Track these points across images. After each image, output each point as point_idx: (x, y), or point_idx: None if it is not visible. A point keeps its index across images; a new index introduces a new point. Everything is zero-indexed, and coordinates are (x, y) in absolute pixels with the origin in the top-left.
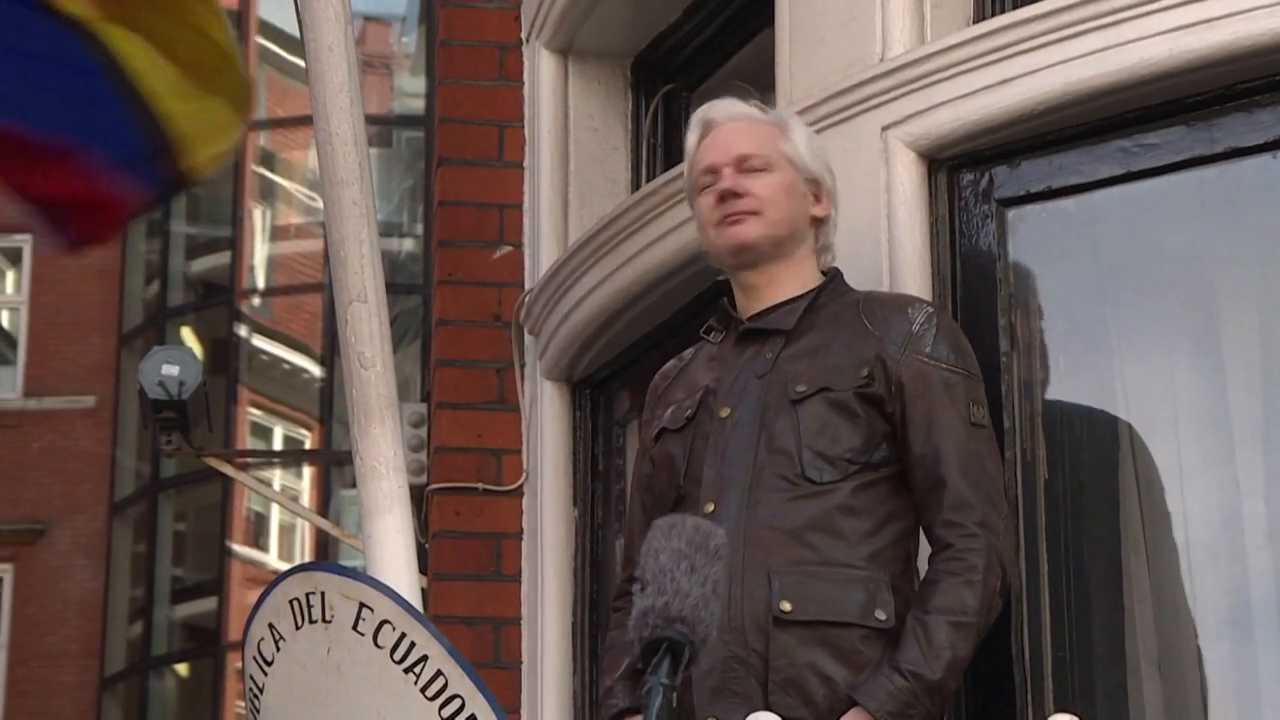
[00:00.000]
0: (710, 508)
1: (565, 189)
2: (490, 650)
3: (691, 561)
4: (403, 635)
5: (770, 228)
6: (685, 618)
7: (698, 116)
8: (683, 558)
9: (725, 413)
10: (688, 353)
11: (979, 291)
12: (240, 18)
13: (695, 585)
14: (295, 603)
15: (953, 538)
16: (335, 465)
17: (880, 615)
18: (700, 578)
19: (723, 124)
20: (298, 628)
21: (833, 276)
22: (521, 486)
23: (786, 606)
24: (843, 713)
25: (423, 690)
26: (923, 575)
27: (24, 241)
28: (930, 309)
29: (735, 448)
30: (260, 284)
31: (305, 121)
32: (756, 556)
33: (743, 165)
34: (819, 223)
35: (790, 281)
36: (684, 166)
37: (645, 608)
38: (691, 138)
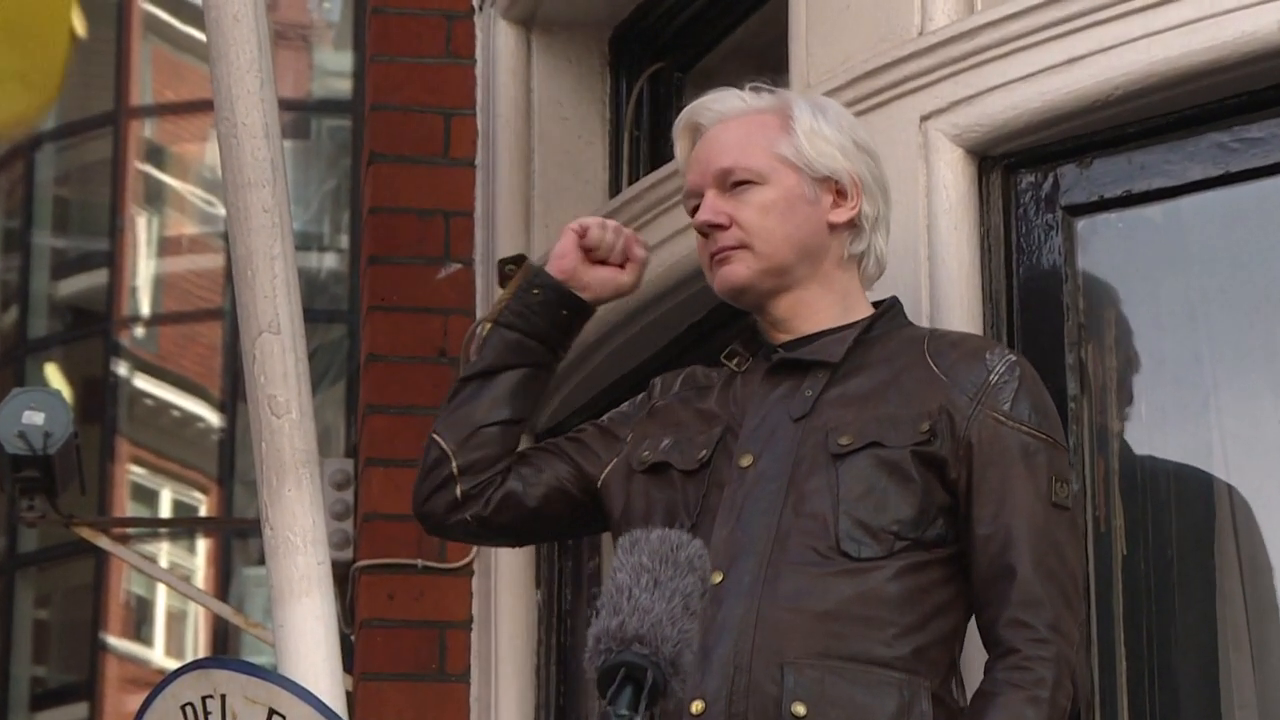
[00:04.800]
0: (718, 578)
1: (528, 192)
2: None
3: (655, 576)
4: None
5: (764, 261)
6: (644, 637)
7: (683, 118)
8: (644, 572)
9: (746, 461)
10: (713, 373)
11: (1041, 320)
12: None
13: (659, 600)
14: (189, 709)
15: (1019, 641)
16: (237, 537)
17: None
18: (666, 592)
19: (709, 127)
20: None
21: (890, 305)
22: (471, 563)
23: (800, 710)
24: None
25: None
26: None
27: None
28: (1012, 357)
29: (755, 507)
30: (144, 310)
31: (204, 107)
32: (769, 643)
33: (725, 183)
34: (847, 228)
35: (824, 305)
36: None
37: (597, 632)
38: (680, 147)
